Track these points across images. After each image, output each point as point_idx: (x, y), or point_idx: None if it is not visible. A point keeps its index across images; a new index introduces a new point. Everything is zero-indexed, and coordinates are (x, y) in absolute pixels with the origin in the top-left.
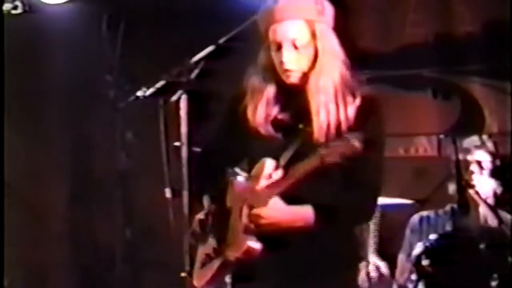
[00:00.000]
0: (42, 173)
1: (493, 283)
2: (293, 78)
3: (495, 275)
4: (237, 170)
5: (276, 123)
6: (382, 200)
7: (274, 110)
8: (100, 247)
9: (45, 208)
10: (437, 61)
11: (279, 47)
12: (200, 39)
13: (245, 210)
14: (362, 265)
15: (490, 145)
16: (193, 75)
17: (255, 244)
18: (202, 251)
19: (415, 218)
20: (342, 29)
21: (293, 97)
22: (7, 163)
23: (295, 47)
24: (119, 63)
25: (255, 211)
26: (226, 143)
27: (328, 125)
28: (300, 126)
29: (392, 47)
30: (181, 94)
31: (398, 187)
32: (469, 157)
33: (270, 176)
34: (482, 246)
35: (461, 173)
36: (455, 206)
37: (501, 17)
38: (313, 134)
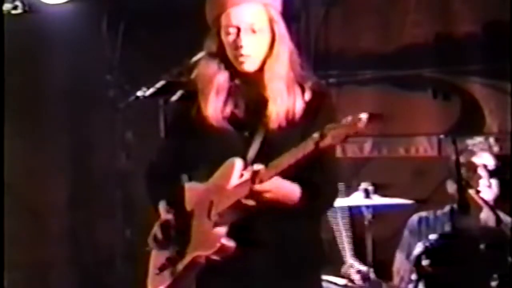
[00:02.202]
0: (42, 173)
1: (493, 283)
2: (248, 64)
3: (495, 275)
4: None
5: (231, 119)
6: (382, 200)
7: (228, 103)
8: (100, 247)
9: (45, 208)
10: (437, 61)
11: (238, 32)
12: (200, 39)
13: (214, 210)
14: (345, 269)
15: (496, 148)
16: (193, 75)
17: (229, 242)
18: (160, 254)
19: (414, 219)
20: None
21: (246, 86)
22: (7, 164)
23: (253, 31)
24: (119, 63)
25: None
26: (180, 146)
27: (283, 113)
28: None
29: (392, 47)
30: (181, 94)
31: (398, 187)
32: (474, 160)
33: (241, 175)
34: (482, 246)
35: (461, 173)
36: (454, 206)
37: (501, 17)
38: (269, 123)
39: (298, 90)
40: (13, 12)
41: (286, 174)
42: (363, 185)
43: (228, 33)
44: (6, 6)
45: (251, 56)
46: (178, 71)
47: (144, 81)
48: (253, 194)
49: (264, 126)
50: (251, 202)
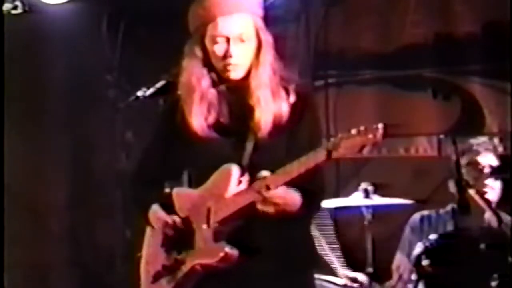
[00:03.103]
0: (42, 173)
1: (493, 283)
2: (235, 73)
3: (495, 275)
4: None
5: (216, 126)
6: (382, 200)
7: (212, 111)
8: (100, 247)
9: (45, 208)
10: (437, 61)
11: (227, 41)
12: None
13: (213, 219)
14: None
15: (501, 149)
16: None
17: (232, 250)
18: (154, 262)
19: (416, 216)
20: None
21: (230, 93)
22: (7, 164)
23: (242, 41)
24: (119, 63)
25: (270, 193)
26: (164, 152)
27: (270, 120)
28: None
29: (392, 47)
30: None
31: (398, 187)
32: (480, 159)
33: (240, 182)
34: (482, 246)
35: (461, 173)
36: (455, 206)
37: (501, 17)
38: (258, 131)
39: (283, 94)
40: (13, 12)
41: (295, 183)
42: (363, 185)
43: (215, 42)
44: (6, 6)
45: (238, 65)
46: (178, 71)
47: (144, 81)
48: (264, 201)
49: (253, 134)
50: (268, 209)
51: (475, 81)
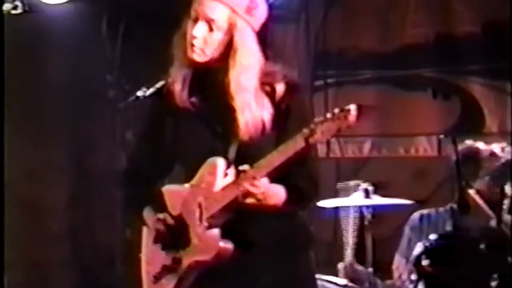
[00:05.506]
0: (42, 173)
1: (493, 283)
2: (198, 55)
3: (495, 275)
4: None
5: (198, 108)
6: (382, 200)
7: (194, 93)
8: (100, 247)
9: (45, 208)
10: (437, 61)
11: (196, 20)
12: None
13: (205, 214)
14: (343, 265)
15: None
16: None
17: (227, 244)
18: (154, 262)
19: (416, 216)
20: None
21: (207, 77)
22: (7, 163)
23: (210, 28)
24: (119, 63)
25: (253, 183)
26: (154, 147)
27: (252, 124)
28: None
29: (392, 47)
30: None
31: (398, 187)
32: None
33: (226, 174)
34: (482, 246)
35: (461, 173)
36: (454, 205)
37: (501, 17)
38: (240, 134)
39: (269, 91)
40: (13, 12)
41: (276, 173)
42: (363, 185)
43: (192, 18)
44: (6, 6)
45: (200, 48)
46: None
47: (144, 81)
48: (246, 194)
49: (236, 136)
50: (250, 200)
51: (475, 81)
